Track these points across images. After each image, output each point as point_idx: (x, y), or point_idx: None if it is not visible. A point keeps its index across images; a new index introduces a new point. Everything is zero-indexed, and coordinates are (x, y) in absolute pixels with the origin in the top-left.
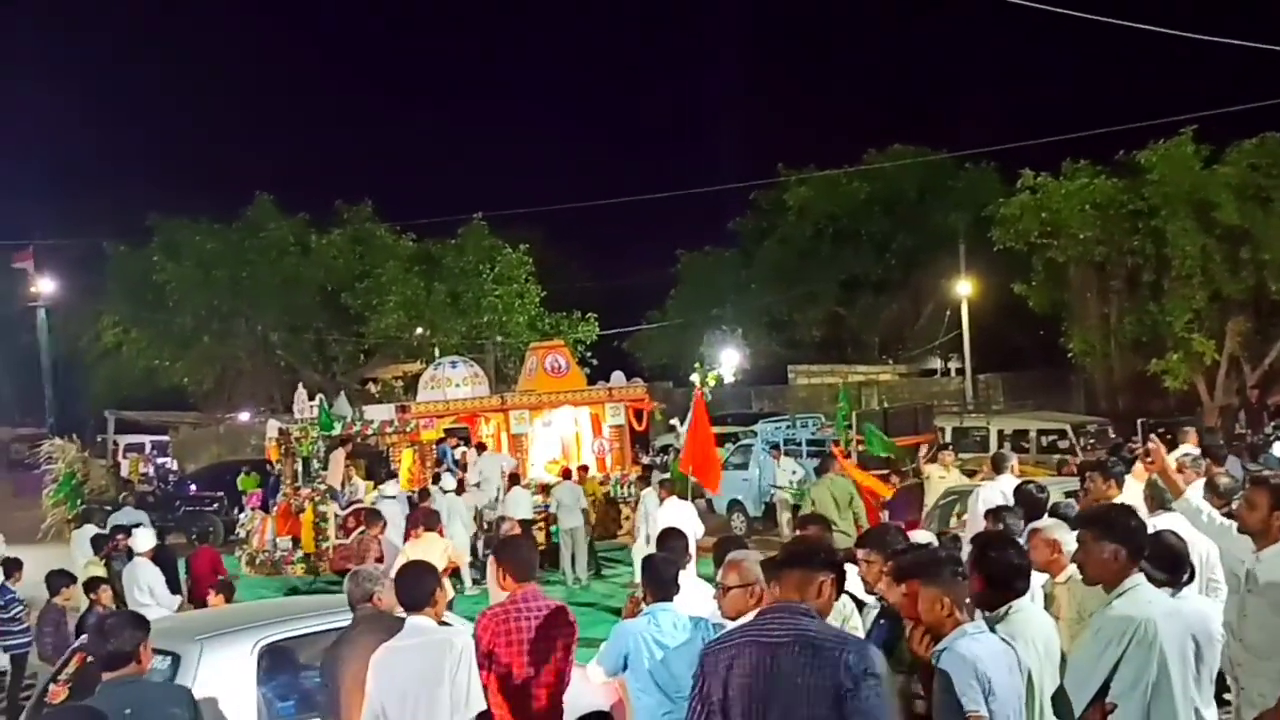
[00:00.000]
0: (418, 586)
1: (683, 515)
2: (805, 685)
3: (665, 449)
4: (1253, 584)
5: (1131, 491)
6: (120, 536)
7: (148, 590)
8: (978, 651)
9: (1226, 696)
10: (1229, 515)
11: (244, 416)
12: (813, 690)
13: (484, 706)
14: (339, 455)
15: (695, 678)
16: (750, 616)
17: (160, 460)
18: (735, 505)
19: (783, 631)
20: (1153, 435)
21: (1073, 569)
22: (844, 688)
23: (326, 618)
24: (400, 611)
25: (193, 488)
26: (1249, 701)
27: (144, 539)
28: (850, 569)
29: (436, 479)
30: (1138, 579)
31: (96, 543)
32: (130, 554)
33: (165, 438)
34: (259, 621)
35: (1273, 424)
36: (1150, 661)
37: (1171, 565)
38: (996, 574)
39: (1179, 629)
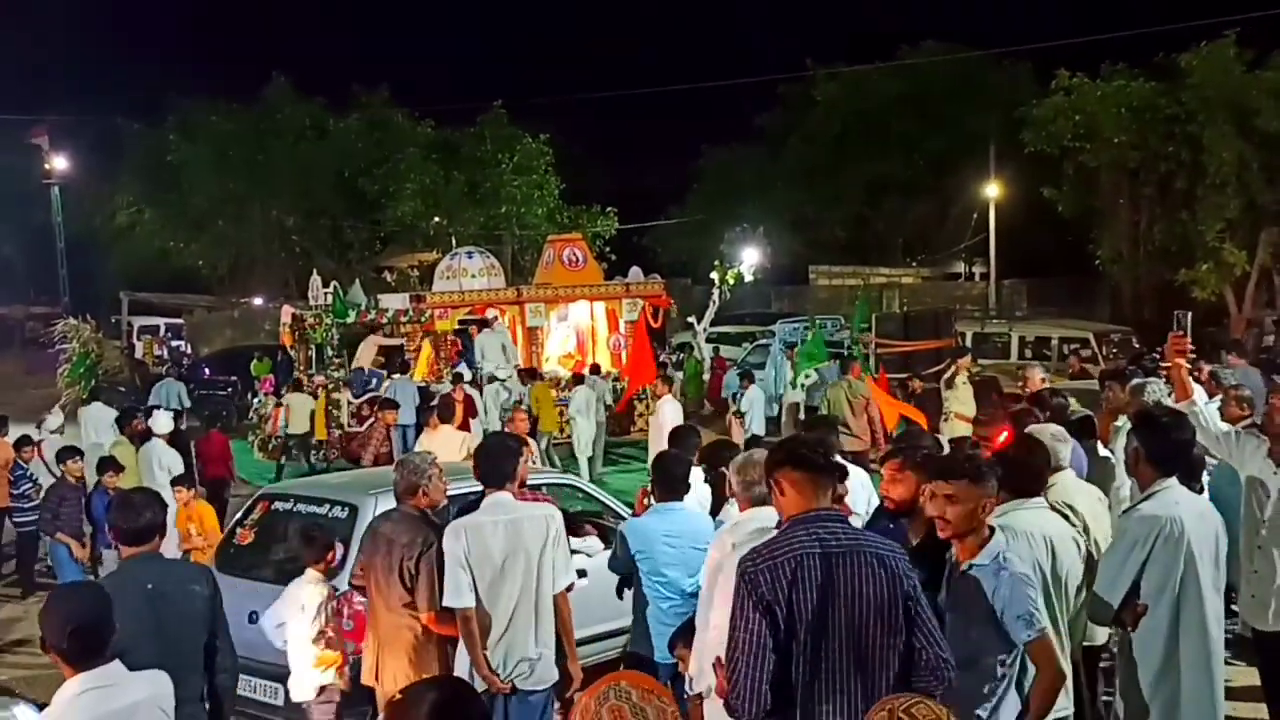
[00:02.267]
0: (496, 464)
1: (675, 414)
2: (875, 596)
3: (682, 346)
4: (1278, 497)
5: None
6: (140, 416)
7: (166, 470)
8: (1028, 565)
9: (1233, 607)
10: (1252, 425)
11: (258, 301)
12: (884, 601)
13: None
14: (372, 342)
15: (749, 594)
16: (769, 525)
17: (174, 343)
18: None
19: (836, 541)
20: (1180, 332)
21: (1057, 478)
22: (909, 596)
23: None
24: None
25: (206, 371)
26: (1270, 609)
27: (163, 421)
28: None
29: (458, 376)
30: (1169, 481)
31: (119, 422)
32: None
33: (179, 320)
34: None
35: None
36: (1177, 560)
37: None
38: (1012, 474)
39: (1208, 529)
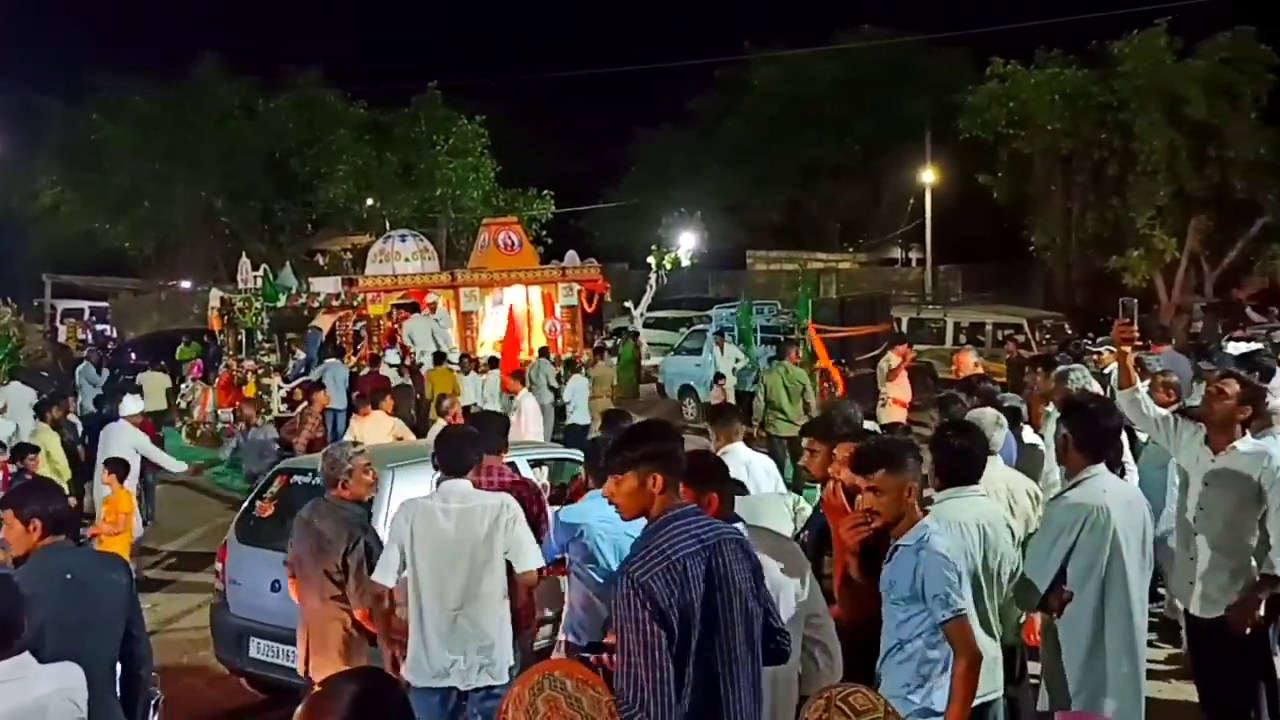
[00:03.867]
0: (458, 455)
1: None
2: (745, 581)
3: (619, 331)
4: (1211, 480)
5: None
6: (68, 400)
7: (133, 454)
8: (950, 547)
9: (1160, 590)
10: (1180, 411)
11: (186, 284)
12: (749, 584)
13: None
14: (326, 320)
15: (643, 604)
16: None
17: (99, 327)
18: (687, 391)
19: (706, 534)
20: (1125, 317)
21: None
22: (759, 575)
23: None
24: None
25: (132, 356)
26: (1206, 598)
27: (132, 404)
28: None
29: (376, 359)
30: (1097, 469)
31: (38, 409)
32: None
33: (104, 304)
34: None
35: (1221, 322)
36: (1103, 548)
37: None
38: (947, 462)
39: (1135, 517)
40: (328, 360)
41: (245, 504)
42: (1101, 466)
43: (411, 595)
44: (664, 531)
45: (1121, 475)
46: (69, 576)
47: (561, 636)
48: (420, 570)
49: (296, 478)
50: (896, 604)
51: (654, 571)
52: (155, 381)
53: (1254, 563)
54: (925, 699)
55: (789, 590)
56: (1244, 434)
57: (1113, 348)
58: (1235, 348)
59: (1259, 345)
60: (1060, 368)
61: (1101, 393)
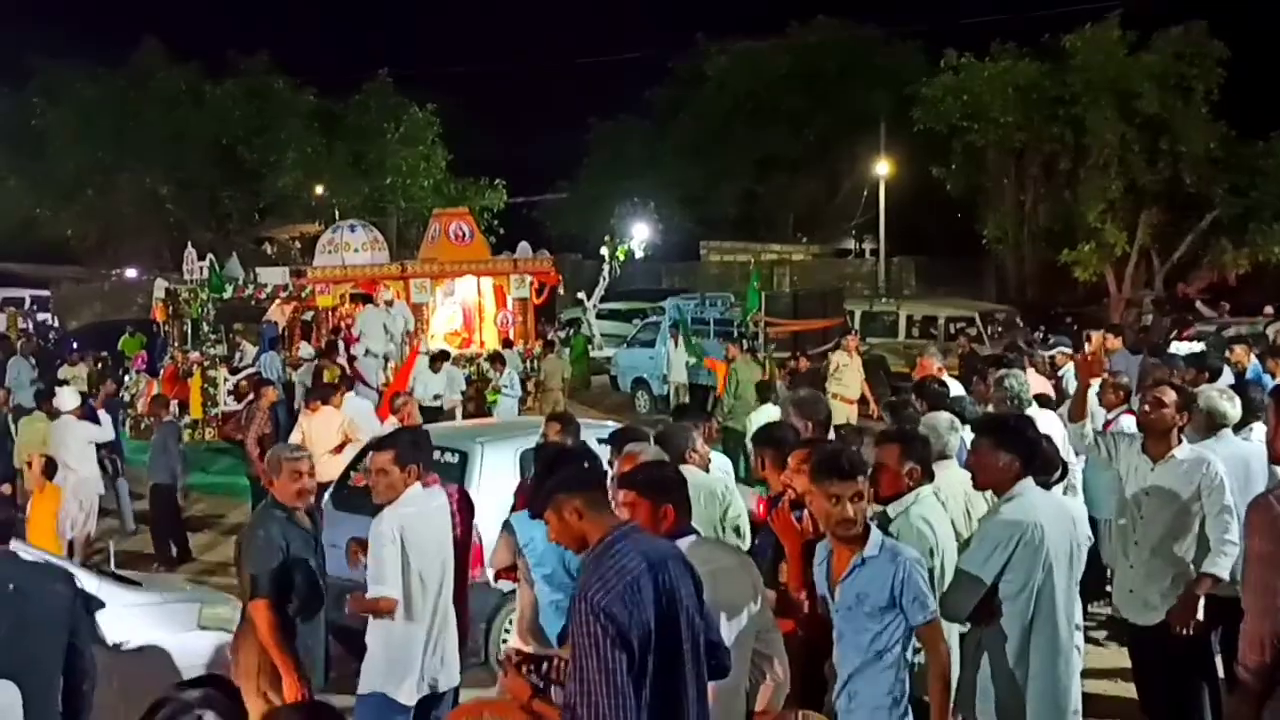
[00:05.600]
0: (429, 455)
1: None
2: (688, 597)
3: (572, 323)
4: (1150, 489)
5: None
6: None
7: (87, 447)
8: (917, 555)
9: (1107, 589)
10: (1130, 410)
11: (130, 274)
12: (692, 600)
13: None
14: (281, 307)
15: (604, 632)
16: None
17: (40, 316)
18: (640, 384)
19: (651, 551)
20: (1088, 333)
21: (941, 468)
22: (700, 589)
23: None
24: None
25: (74, 346)
26: (1147, 604)
27: (69, 397)
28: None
29: (333, 348)
30: (1026, 484)
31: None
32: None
33: (45, 293)
34: (519, 432)
35: (1169, 317)
36: (1037, 564)
37: (1044, 467)
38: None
39: (1065, 531)
40: (269, 353)
41: (340, 474)
42: (1029, 480)
43: (400, 612)
44: (612, 552)
45: (1064, 475)
46: (11, 587)
47: (513, 643)
48: (417, 580)
49: None
50: (871, 615)
51: (614, 593)
52: (75, 374)
53: (1193, 569)
54: (906, 701)
55: (744, 605)
56: (1179, 440)
57: (1065, 349)
58: (1180, 347)
59: (1201, 347)
60: (1000, 371)
61: (1052, 394)
